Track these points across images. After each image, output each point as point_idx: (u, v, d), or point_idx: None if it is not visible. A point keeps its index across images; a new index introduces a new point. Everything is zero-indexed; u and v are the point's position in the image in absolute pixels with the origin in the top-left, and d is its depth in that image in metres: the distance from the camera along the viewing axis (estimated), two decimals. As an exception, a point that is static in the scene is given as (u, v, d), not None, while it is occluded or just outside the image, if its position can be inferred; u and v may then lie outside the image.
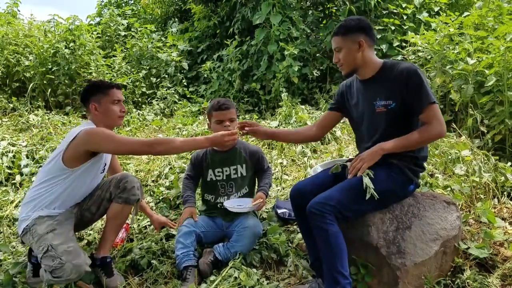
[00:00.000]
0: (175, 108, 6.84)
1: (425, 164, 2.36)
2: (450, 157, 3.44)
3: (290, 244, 2.70)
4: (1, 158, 4.38)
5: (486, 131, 3.90)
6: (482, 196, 2.99)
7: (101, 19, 9.62)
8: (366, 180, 2.10)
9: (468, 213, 2.80)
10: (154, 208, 3.41)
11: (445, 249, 2.25)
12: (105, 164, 2.60)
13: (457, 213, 2.39)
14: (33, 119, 6.13)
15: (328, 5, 7.13)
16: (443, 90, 4.61)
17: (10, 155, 4.45)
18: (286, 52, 6.17)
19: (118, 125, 2.62)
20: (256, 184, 2.95)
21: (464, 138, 3.70)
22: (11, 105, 6.77)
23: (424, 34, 5.22)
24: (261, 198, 2.66)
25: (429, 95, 2.11)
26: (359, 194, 2.11)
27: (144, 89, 7.47)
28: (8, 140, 4.84)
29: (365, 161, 2.14)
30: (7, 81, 7.23)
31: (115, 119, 2.52)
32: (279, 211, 3.03)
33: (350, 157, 3.90)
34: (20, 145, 4.76)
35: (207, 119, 2.85)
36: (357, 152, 2.52)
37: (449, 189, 3.00)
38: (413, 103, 2.14)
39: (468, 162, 3.27)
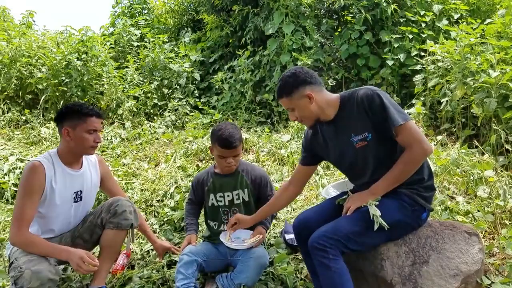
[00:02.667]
0: (187, 120, 6.74)
1: (433, 183, 2.17)
2: (472, 177, 3.22)
3: (298, 275, 2.53)
4: (8, 175, 4.34)
5: (510, 149, 3.66)
6: (507, 222, 2.77)
7: (114, 29, 9.62)
8: (372, 210, 1.94)
9: (492, 241, 2.59)
10: (158, 230, 3.29)
11: (466, 286, 2.06)
12: (80, 192, 2.46)
13: (479, 245, 2.20)
14: (45, 132, 6.11)
15: (343, 13, 6.95)
16: (464, 103, 4.38)
17: (18, 171, 4.41)
18: (299, 62, 6.01)
19: (89, 155, 2.49)
20: None
21: (487, 157, 3.47)
22: (24, 118, 6.77)
23: (443, 43, 5.00)
24: (260, 234, 2.48)
25: (396, 117, 1.94)
26: (366, 226, 1.95)
27: (156, 101, 7.40)
28: (16, 155, 4.80)
29: (354, 203, 2.02)
30: (20, 93, 7.24)
31: (87, 149, 2.39)
32: (287, 236, 2.86)
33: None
34: (28, 160, 4.70)
35: (211, 143, 2.68)
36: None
37: (470, 215, 2.79)
38: (384, 128, 1.98)
39: (491, 184, 3.06)
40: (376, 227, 1.91)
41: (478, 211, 2.78)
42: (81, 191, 2.46)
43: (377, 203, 1.98)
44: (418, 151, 1.93)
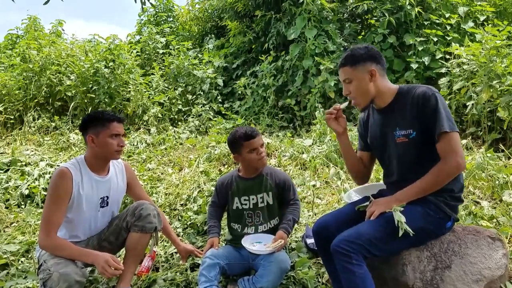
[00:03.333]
0: (210, 125, 6.83)
1: (462, 196, 2.14)
2: (497, 181, 3.16)
3: (319, 280, 2.53)
4: (38, 180, 4.49)
5: (538, 152, 3.57)
6: (534, 227, 2.70)
7: (140, 37, 9.83)
8: (397, 216, 1.91)
9: (518, 247, 2.53)
10: (181, 234, 3.34)
11: (490, 291, 2.02)
12: (106, 197, 2.53)
13: (503, 250, 2.16)
14: (73, 138, 6.30)
15: (367, 17, 6.92)
16: (490, 107, 4.30)
17: (47, 176, 4.55)
18: (321, 67, 6.01)
19: (115, 159, 2.54)
20: None
21: (513, 161, 3.40)
22: (53, 124, 6.99)
23: (469, 45, 4.91)
24: (281, 239, 2.48)
25: (443, 123, 1.91)
26: (389, 231, 1.92)
27: (180, 106, 7.52)
28: (46, 161, 4.97)
29: (379, 208, 1.99)
30: (50, 100, 7.48)
31: (112, 153, 2.44)
32: (309, 241, 2.86)
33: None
34: (57, 166, 4.85)
35: (233, 152, 2.70)
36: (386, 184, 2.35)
37: (495, 220, 2.73)
38: (429, 130, 1.97)
39: (518, 189, 2.99)
40: (401, 233, 1.88)
41: (503, 216, 2.72)
42: (107, 197, 2.53)
43: (402, 209, 1.95)
44: (452, 164, 1.91)
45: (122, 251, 2.85)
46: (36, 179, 4.54)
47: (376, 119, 2.22)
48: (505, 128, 4.07)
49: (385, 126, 2.15)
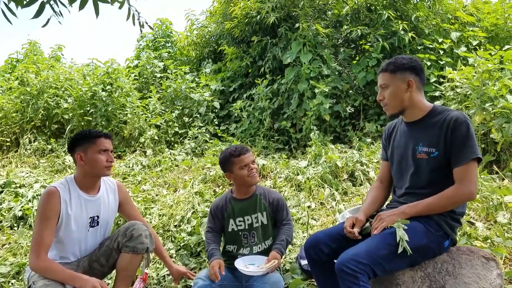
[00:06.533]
0: (206, 147, 6.84)
1: (461, 220, 2.15)
2: (492, 203, 3.16)
3: (313, 301, 2.50)
4: (32, 201, 4.46)
5: (532, 174, 3.58)
6: (529, 248, 2.69)
7: (139, 62, 9.94)
8: (400, 233, 1.91)
9: (513, 268, 2.51)
10: (174, 255, 3.30)
11: (485, 312, 1.99)
12: (96, 217, 2.49)
13: (498, 270, 2.13)
14: (69, 160, 6.28)
15: (361, 42, 7.04)
16: (483, 129, 4.33)
17: (41, 198, 4.52)
18: (316, 90, 6.08)
19: (105, 176, 2.52)
20: None
21: (507, 182, 3.41)
22: (50, 146, 6.98)
23: (462, 69, 4.99)
24: (275, 259, 2.44)
25: (472, 151, 1.96)
26: (394, 251, 1.90)
27: (176, 129, 7.55)
28: (41, 183, 4.95)
29: (383, 222, 2.00)
30: (47, 123, 7.50)
31: (102, 170, 2.42)
32: (303, 262, 2.83)
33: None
34: (51, 187, 4.83)
35: (225, 171, 2.70)
36: (391, 198, 2.35)
37: (489, 241, 2.72)
38: (454, 154, 1.99)
39: (512, 209, 2.99)
40: (400, 250, 1.88)
41: (498, 236, 2.71)
42: (97, 216, 2.49)
43: (406, 227, 1.95)
44: (465, 191, 1.96)
45: (114, 273, 2.81)
46: (29, 200, 4.51)
47: (402, 130, 2.25)
48: (498, 150, 4.09)
49: (409, 139, 2.17)
